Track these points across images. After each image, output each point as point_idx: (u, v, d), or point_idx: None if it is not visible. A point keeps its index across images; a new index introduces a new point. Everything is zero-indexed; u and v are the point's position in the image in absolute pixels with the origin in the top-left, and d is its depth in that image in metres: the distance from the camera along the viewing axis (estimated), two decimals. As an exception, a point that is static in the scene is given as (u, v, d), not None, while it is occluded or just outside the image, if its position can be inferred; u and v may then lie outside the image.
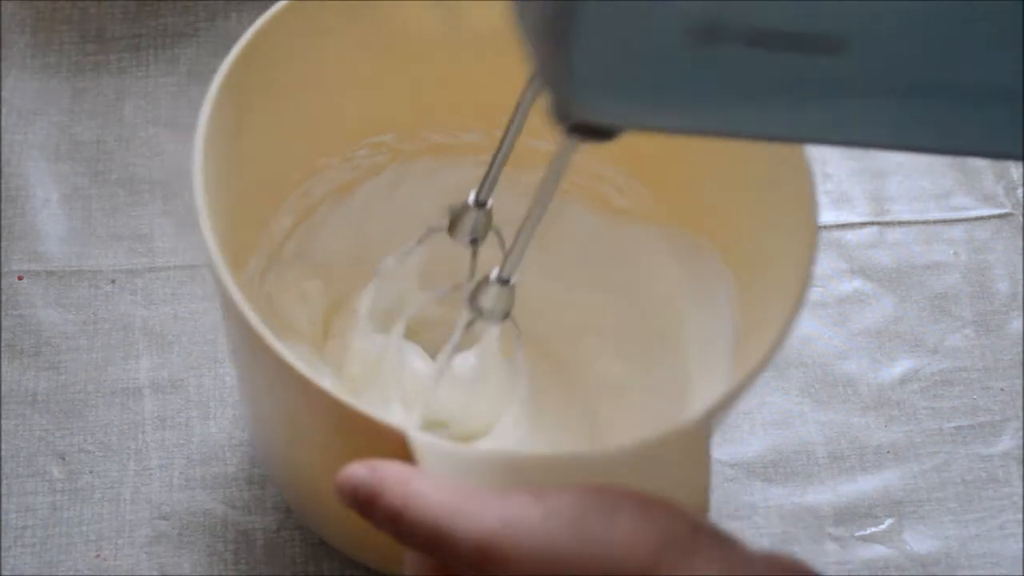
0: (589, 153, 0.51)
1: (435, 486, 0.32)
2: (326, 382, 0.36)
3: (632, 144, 0.46)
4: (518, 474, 0.34)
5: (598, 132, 0.31)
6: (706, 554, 0.31)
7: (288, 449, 0.48)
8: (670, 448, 0.36)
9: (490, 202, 0.45)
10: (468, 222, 0.45)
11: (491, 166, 0.43)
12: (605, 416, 0.53)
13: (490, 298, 0.40)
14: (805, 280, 0.40)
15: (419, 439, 0.35)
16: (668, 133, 0.32)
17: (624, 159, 0.52)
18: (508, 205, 0.45)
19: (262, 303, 0.53)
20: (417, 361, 0.51)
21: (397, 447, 0.34)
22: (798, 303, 0.39)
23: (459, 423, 0.51)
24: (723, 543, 0.32)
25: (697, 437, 0.36)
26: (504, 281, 0.40)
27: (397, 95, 0.53)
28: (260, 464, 0.54)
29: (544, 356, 0.55)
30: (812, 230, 0.41)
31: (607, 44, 0.26)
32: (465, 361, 0.50)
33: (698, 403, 0.46)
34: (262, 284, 0.53)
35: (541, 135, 0.42)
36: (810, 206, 0.41)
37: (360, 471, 0.33)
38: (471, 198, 0.44)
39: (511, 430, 0.50)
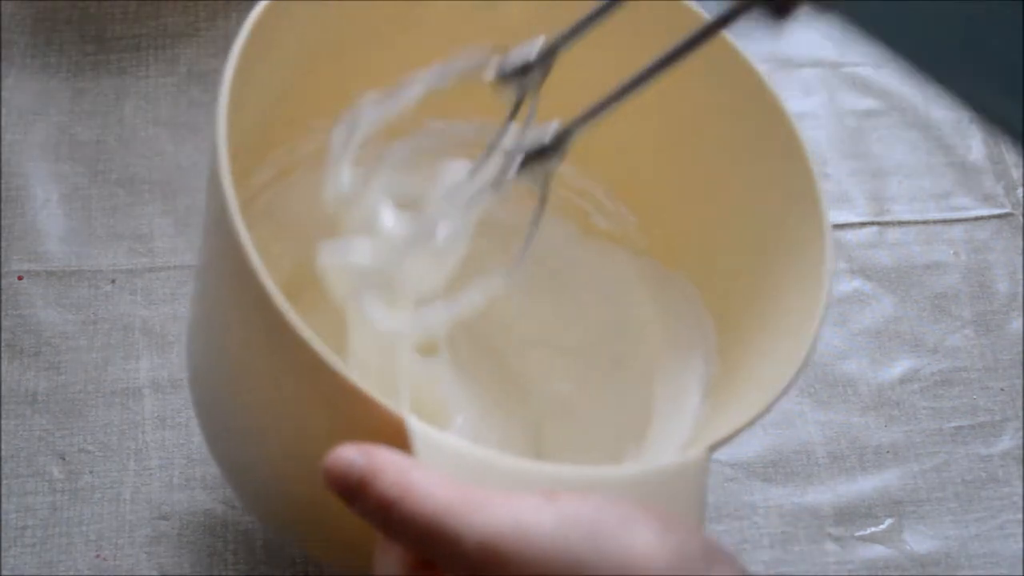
0: (578, 170, 0.51)
1: (435, 478, 0.31)
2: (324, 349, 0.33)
3: (627, 168, 0.46)
4: (521, 484, 0.33)
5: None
6: (726, 569, 0.31)
7: (257, 433, 0.43)
8: (672, 476, 0.35)
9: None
10: (527, 75, 0.39)
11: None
12: (549, 433, 0.52)
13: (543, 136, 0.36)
14: (811, 336, 0.39)
15: (419, 428, 0.33)
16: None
17: (614, 181, 0.51)
18: None
19: None
20: (390, 214, 0.45)
21: (392, 434, 0.33)
22: (802, 358, 0.38)
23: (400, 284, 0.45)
24: (736, 565, 0.31)
25: (697, 469, 0.35)
26: (561, 146, 0.36)
27: (403, 70, 0.48)
28: (212, 444, 0.48)
29: (495, 364, 0.54)
30: (820, 294, 0.39)
31: None
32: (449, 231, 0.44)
33: (659, 435, 0.45)
34: None
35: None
36: (822, 277, 0.40)
37: (352, 453, 0.31)
38: (537, 48, 0.39)
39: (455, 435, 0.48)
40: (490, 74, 0.40)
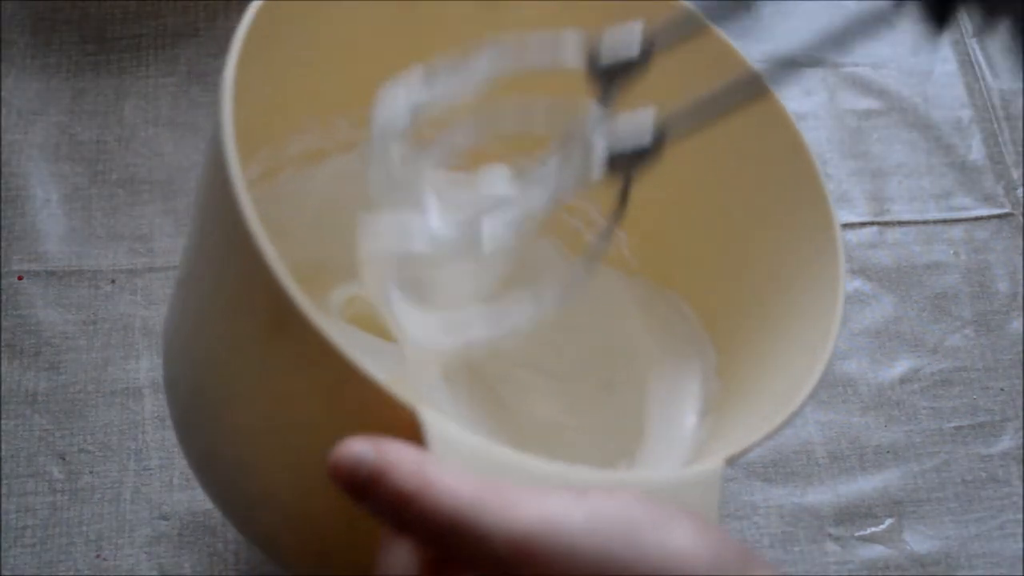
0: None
1: (455, 474, 0.29)
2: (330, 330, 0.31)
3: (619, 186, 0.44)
4: (538, 485, 0.31)
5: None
6: (764, 570, 0.30)
7: (248, 436, 0.40)
8: (689, 484, 0.34)
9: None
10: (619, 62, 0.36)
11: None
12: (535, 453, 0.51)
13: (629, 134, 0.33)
14: (828, 346, 0.38)
15: (433, 422, 0.30)
16: None
17: (606, 199, 0.51)
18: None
19: None
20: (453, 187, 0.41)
21: (402, 428, 0.30)
22: (821, 369, 0.38)
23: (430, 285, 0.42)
24: (772, 568, 0.30)
25: (713, 479, 0.34)
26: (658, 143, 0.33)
27: (400, 72, 0.47)
28: (185, 442, 0.45)
29: (480, 386, 0.52)
30: (835, 307, 0.39)
31: None
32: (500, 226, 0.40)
33: (651, 455, 0.44)
34: None
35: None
36: (836, 289, 0.39)
37: (362, 446, 0.30)
38: (638, 42, 0.36)
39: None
40: (583, 63, 0.36)
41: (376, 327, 0.46)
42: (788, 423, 0.37)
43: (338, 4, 0.46)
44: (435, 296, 0.39)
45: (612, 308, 0.51)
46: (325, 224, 0.51)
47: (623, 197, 0.35)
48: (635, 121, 0.34)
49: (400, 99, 0.38)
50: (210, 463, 0.42)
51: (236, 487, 0.41)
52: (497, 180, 0.39)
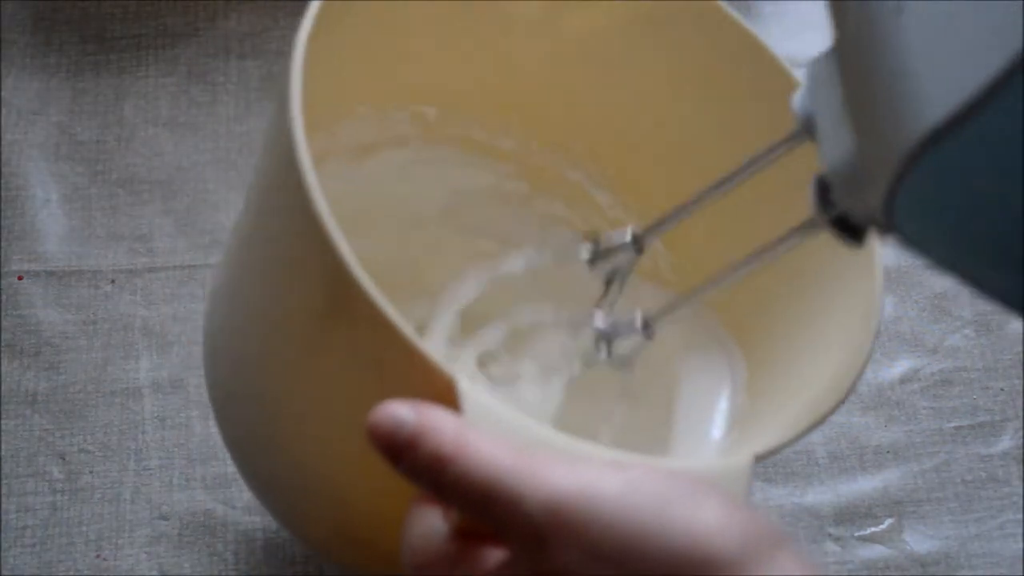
0: (611, 199, 0.52)
1: (492, 440, 0.29)
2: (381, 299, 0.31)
3: (665, 201, 0.45)
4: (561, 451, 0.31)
5: (854, 232, 0.31)
6: (790, 555, 0.30)
7: (285, 400, 0.40)
8: (717, 476, 0.34)
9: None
10: (616, 257, 0.42)
11: (680, 209, 0.40)
12: None
13: (627, 344, 0.39)
14: (866, 349, 0.39)
15: (471, 392, 0.31)
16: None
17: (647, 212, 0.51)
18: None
19: None
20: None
21: (441, 396, 0.31)
22: (855, 375, 0.38)
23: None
24: (800, 550, 0.31)
25: (741, 473, 0.34)
26: (648, 333, 0.39)
27: (459, 72, 0.50)
28: (224, 428, 0.46)
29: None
30: (871, 320, 0.39)
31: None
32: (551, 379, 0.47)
33: (680, 456, 0.45)
34: None
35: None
36: (873, 303, 0.40)
37: (403, 409, 0.30)
38: (628, 236, 0.41)
39: None
40: (584, 256, 0.42)
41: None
42: (818, 425, 0.37)
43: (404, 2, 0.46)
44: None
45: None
46: (367, 219, 0.50)
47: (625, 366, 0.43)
48: (628, 320, 0.41)
49: (445, 298, 0.46)
50: (255, 453, 0.43)
51: (281, 474, 0.41)
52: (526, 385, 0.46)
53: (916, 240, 0.28)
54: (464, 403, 0.31)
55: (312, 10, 0.38)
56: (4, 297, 0.58)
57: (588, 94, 0.47)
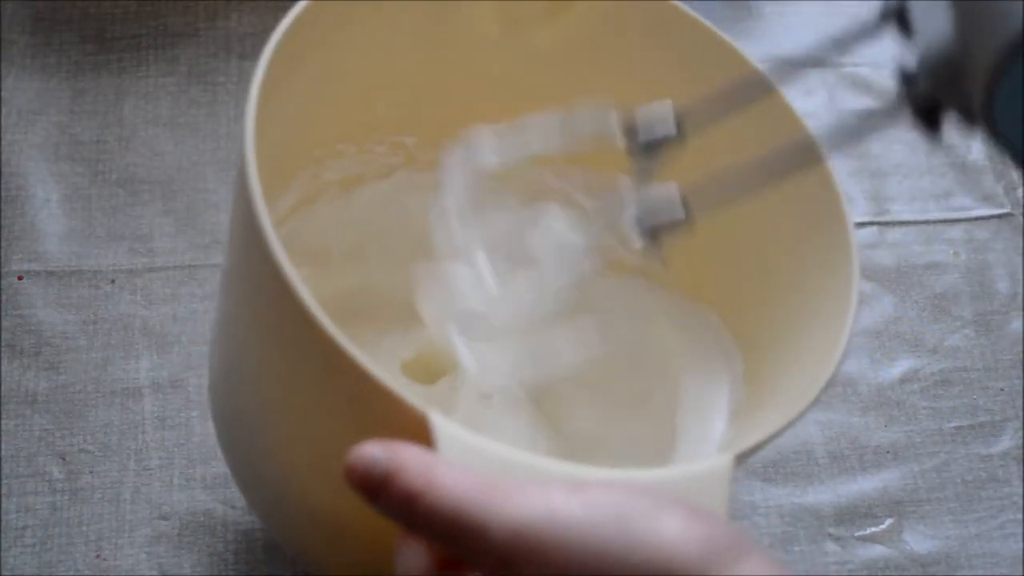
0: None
1: (460, 472, 0.31)
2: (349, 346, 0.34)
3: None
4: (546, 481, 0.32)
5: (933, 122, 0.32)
6: (755, 560, 0.30)
7: (277, 439, 0.43)
8: (696, 480, 0.35)
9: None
10: (654, 135, 0.39)
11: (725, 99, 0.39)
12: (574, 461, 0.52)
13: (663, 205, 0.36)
14: (838, 352, 0.39)
15: (442, 425, 0.32)
16: None
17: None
18: None
19: None
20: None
21: (416, 432, 0.33)
22: (829, 375, 0.39)
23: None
24: (766, 557, 0.31)
25: (722, 475, 0.35)
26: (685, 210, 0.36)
27: (432, 98, 0.51)
28: (228, 452, 0.48)
29: (524, 402, 0.53)
30: (847, 315, 0.40)
31: None
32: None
33: (681, 462, 0.46)
34: None
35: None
36: (849, 296, 0.40)
37: (375, 449, 0.31)
38: (670, 113, 0.39)
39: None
40: (622, 141, 0.40)
41: (430, 367, 0.50)
42: (792, 424, 0.37)
43: (367, 32, 0.47)
44: (490, 334, 0.42)
45: (646, 319, 0.52)
46: (367, 250, 0.54)
47: (659, 258, 0.39)
48: (665, 194, 0.37)
49: (460, 156, 0.42)
50: (251, 475, 0.45)
51: (278, 500, 0.44)
52: (551, 227, 0.42)
53: (1010, 132, 0.28)
54: (437, 436, 0.32)
55: (264, 61, 0.39)
56: (4, 297, 0.58)
57: (561, 101, 0.47)
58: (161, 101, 0.64)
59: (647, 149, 0.39)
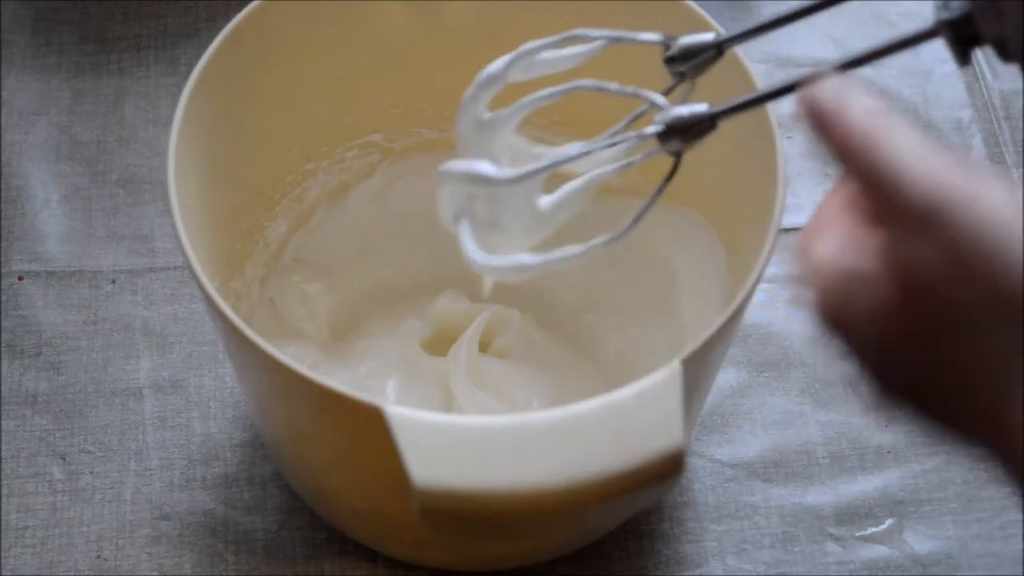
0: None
1: (906, 134, 0.31)
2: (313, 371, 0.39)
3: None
4: (500, 437, 0.36)
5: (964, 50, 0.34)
6: None
7: (286, 439, 0.49)
8: (647, 396, 0.37)
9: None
10: (694, 56, 0.41)
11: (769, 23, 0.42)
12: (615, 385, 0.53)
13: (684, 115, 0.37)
14: (771, 237, 0.42)
15: (394, 413, 0.36)
16: None
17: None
18: None
19: (265, 309, 0.53)
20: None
21: (372, 420, 0.36)
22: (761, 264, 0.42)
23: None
24: None
25: (671, 385, 0.37)
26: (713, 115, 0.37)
27: (381, 94, 0.54)
28: (273, 458, 0.53)
29: (553, 334, 0.56)
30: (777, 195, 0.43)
31: None
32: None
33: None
34: (263, 290, 0.53)
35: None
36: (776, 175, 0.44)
37: (827, 91, 0.33)
38: (711, 35, 0.41)
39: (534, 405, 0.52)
40: (664, 51, 0.41)
41: (449, 339, 0.53)
42: (731, 320, 0.41)
43: (290, 58, 0.50)
44: (496, 244, 0.42)
45: (644, 233, 0.52)
46: (370, 250, 0.57)
47: (672, 171, 0.39)
48: (691, 106, 0.38)
49: (499, 63, 0.42)
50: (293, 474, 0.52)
51: (315, 491, 0.51)
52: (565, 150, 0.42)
53: None
54: (390, 424, 0.36)
55: (179, 110, 0.45)
56: (4, 297, 0.58)
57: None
58: (161, 101, 0.64)
59: (682, 63, 0.41)
